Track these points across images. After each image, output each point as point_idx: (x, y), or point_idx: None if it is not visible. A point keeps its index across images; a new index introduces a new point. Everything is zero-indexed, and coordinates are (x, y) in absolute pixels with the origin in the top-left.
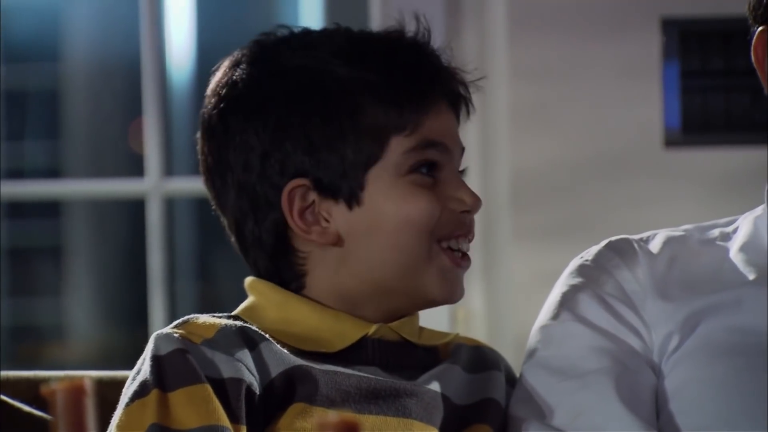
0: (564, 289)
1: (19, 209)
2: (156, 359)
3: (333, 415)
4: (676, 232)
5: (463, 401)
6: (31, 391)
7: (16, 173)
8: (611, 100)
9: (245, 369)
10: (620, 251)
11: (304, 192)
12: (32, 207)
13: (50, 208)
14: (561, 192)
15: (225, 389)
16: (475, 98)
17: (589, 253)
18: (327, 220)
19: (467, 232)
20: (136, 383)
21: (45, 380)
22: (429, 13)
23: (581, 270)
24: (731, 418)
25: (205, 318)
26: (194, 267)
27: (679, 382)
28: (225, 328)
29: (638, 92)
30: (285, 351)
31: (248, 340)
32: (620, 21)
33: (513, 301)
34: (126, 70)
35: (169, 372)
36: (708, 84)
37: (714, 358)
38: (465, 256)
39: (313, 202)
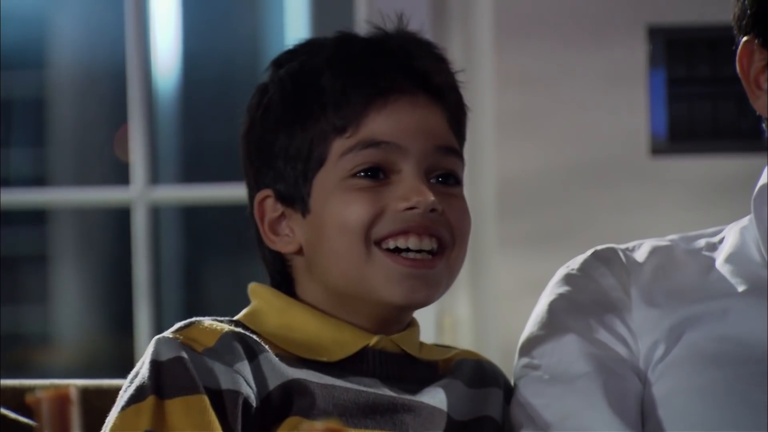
0: (551, 297)
1: (4, 217)
2: (155, 365)
3: (319, 425)
4: (662, 241)
5: (462, 417)
6: (17, 399)
7: (2, 181)
8: (597, 107)
9: (243, 381)
10: (606, 260)
11: (273, 203)
12: (18, 215)
13: (36, 216)
14: (547, 199)
15: (222, 401)
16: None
17: (575, 262)
18: (293, 231)
19: (409, 230)
20: (133, 387)
21: (31, 388)
22: (414, 21)
23: (567, 279)
24: (718, 427)
25: (208, 323)
26: (180, 275)
27: (666, 391)
28: (226, 336)
29: (624, 100)
30: (283, 364)
31: (248, 350)
32: (606, 28)
33: (499, 308)
34: (111, 78)
35: (168, 379)
36: (694, 92)
37: (700, 367)
38: (418, 256)
39: (283, 213)
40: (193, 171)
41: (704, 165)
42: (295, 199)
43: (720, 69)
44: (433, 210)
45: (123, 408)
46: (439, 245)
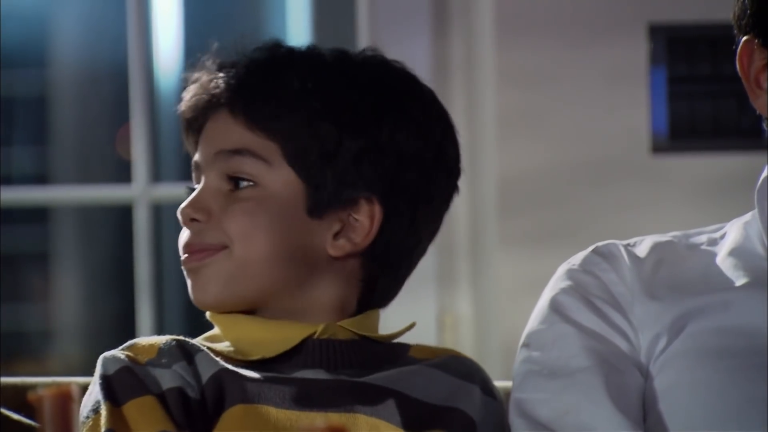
0: (552, 293)
1: (6, 215)
2: (105, 378)
3: (320, 421)
4: (664, 237)
5: (434, 400)
6: (18, 397)
7: (4, 179)
8: (599, 105)
9: (181, 377)
10: (607, 255)
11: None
12: (20, 213)
13: (38, 214)
14: (548, 197)
15: (165, 400)
16: (461, 102)
17: (577, 258)
18: None
19: (186, 248)
20: (89, 406)
21: (32, 386)
22: (416, 20)
23: (569, 274)
24: (719, 420)
25: (147, 341)
26: (182, 273)
27: (667, 384)
28: (164, 347)
29: (625, 98)
30: (219, 359)
31: (186, 353)
32: (608, 27)
33: (500, 306)
34: (113, 76)
35: (118, 387)
36: (695, 90)
37: (702, 359)
38: (193, 255)
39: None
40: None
41: (705, 163)
42: None
43: (721, 67)
44: (193, 220)
45: (83, 422)
46: (214, 249)
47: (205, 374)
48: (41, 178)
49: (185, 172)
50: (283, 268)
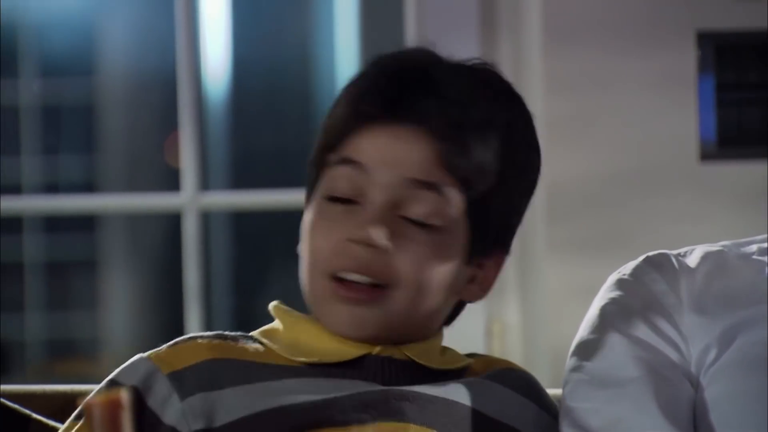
0: (602, 302)
1: (54, 223)
2: (109, 382)
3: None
4: (714, 247)
5: (489, 412)
6: (68, 405)
7: (52, 187)
8: (647, 113)
9: (182, 414)
10: (658, 265)
11: None
12: (68, 221)
13: (86, 222)
14: (596, 205)
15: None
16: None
17: (627, 268)
18: None
19: (352, 267)
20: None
21: (81, 394)
22: (464, 26)
23: (619, 284)
24: None
25: (189, 346)
26: (230, 281)
27: (717, 395)
28: (199, 366)
29: (674, 105)
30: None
31: (215, 380)
32: (656, 34)
33: (548, 314)
34: (162, 84)
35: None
36: (743, 97)
37: (752, 371)
38: (351, 286)
39: None
40: (243, 177)
41: (754, 170)
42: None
43: None
44: (371, 245)
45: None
46: (380, 284)
47: (231, 411)
48: (90, 186)
49: (233, 180)
50: (438, 313)
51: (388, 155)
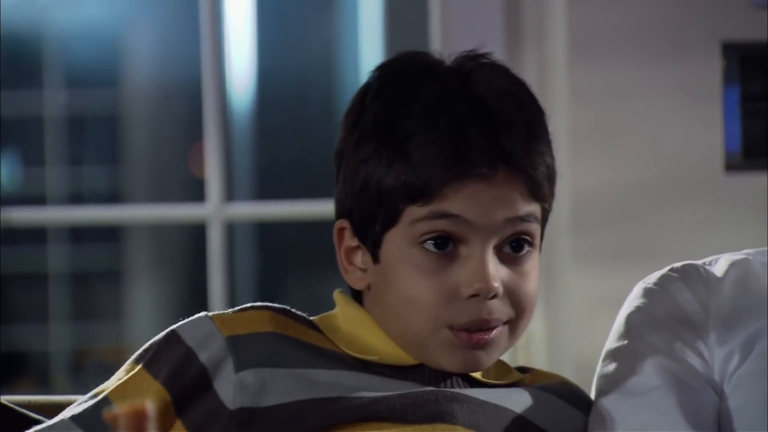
0: (627, 311)
1: (79, 234)
2: (169, 337)
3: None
4: (739, 255)
5: (536, 420)
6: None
7: (77, 198)
8: (672, 124)
9: (234, 389)
10: (683, 274)
11: (351, 234)
12: (93, 231)
13: (111, 233)
14: (621, 215)
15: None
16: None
17: (653, 277)
18: (365, 267)
19: (482, 324)
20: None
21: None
22: (489, 37)
23: (644, 293)
24: None
25: (256, 316)
26: (255, 291)
27: (740, 404)
28: (262, 334)
29: (699, 116)
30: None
31: (274, 357)
32: (680, 45)
33: (573, 324)
34: (186, 95)
35: (164, 359)
36: None
37: None
38: (484, 332)
39: (359, 245)
40: (267, 188)
41: None
42: (367, 241)
43: None
44: (494, 296)
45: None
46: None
47: (282, 393)
48: (114, 197)
49: (258, 190)
50: None
51: (485, 204)
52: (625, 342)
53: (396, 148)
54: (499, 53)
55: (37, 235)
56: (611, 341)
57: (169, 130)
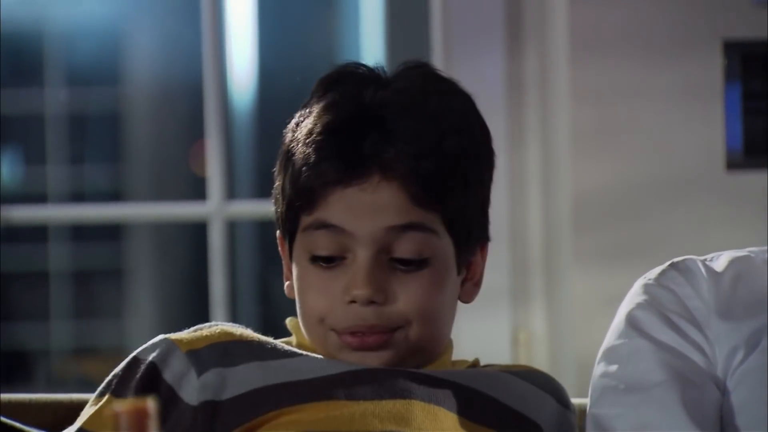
0: (628, 308)
1: (80, 232)
2: (131, 362)
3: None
4: (741, 252)
5: (502, 398)
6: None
7: (78, 196)
8: (673, 122)
9: (200, 390)
10: (684, 270)
11: (284, 246)
12: (94, 230)
13: (112, 231)
14: (623, 214)
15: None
16: (536, 119)
17: (653, 273)
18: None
19: (363, 329)
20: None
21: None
22: (490, 37)
23: (645, 289)
24: None
25: (209, 331)
26: (256, 290)
27: (743, 399)
28: (214, 344)
29: (700, 115)
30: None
31: (227, 357)
32: (682, 44)
33: (574, 323)
34: (188, 93)
35: (125, 382)
36: None
37: None
38: (362, 337)
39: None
40: (268, 186)
41: None
42: (288, 252)
43: None
44: (372, 302)
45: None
46: (391, 329)
47: (239, 385)
48: (116, 195)
49: (260, 189)
50: (448, 329)
51: (362, 212)
52: (626, 339)
53: (288, 156)
54: (499, 53)
55: (38, 233)
56: (611, 338)
57: (170, 128)
